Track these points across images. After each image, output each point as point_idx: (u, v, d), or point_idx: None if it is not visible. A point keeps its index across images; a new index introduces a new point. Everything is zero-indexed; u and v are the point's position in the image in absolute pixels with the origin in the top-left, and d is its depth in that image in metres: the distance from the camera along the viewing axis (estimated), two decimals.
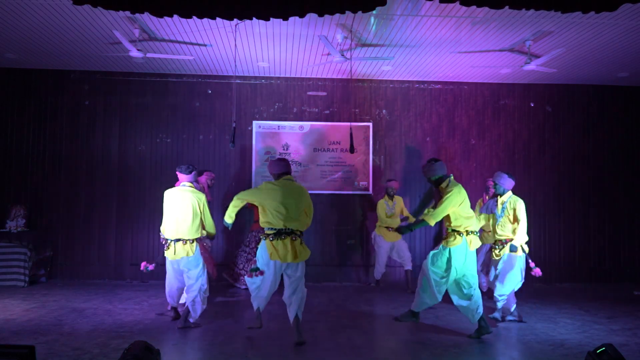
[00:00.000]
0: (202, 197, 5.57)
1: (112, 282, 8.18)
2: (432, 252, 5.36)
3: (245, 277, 5.11)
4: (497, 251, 5.82)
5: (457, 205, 5.15)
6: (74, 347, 4.67)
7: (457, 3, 3.88)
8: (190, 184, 5.58)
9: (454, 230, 5.21)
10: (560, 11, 3.93)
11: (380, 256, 7.92)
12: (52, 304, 6.50)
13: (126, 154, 8.57)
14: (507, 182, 5.80)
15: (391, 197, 7.91)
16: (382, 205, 7.89)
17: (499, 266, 5.75)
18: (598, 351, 3.36)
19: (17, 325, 5.40)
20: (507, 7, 3.89)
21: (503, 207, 5.79)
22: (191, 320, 5.48)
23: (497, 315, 5.82)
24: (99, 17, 6.14)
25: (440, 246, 5.30)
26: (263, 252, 4.93)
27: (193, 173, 5.59)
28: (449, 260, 5.19)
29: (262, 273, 4.90)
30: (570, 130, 9.03)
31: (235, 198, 5.05)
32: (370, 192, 8.72)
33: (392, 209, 7.88)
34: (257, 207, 6.03)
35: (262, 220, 4.95)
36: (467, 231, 5.20)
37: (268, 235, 4.90)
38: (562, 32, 6.46)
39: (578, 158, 9.00)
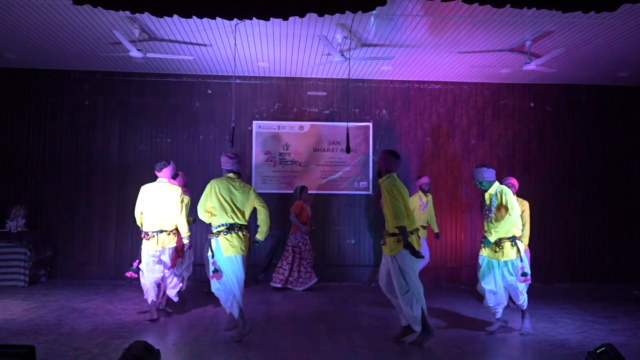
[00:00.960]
0: (176, 190, 5.82)
1: (112, 282, 8.17)
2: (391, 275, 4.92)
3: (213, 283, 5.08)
4: (497, 254, 5.29)
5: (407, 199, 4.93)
6: (74, 347, 4.67)
7: (457, 2, 3.88)
8: (166, 180, 5.87)
9: (393, 235, 4.84)
10: (560, 10, 3.94)
11: None
12: (52, 304, 6.50)
13: (126, 154, 8.57)
14: (489, 173, 5.29)
15: (425, 193, 7.68)
16: (416, 201, 7.49)
17: (508, 279, 5.23)
18: (598, 351, 3.36)
19: (17, 325, 5.40)
20: (508, 5, 3.89)
21: (492, 201, 5.25)
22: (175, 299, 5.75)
23: (527, 327, 5.33)
24: (99, 17, 6.14)
25: (392, 257, 4.85)
26: (218, 250, 4.98)
27: (163, 170, 5.87)
28: (402, 271, 4.80)
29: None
30: (570, 130, 9.03)
31: (199, 210, 5.13)
32: (370, 192, 8.71)
33: (425, 205, 7.63)
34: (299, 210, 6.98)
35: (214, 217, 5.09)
36: (394, 234, 4.84)
37: (220, 231, 4.99)
38: (562, 32, 6.46)
39: (578, 158, 9.00)
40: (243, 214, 5.10)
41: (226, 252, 4.95)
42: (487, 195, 5.35)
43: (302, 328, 5.54)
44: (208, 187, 5.11)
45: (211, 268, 4.98)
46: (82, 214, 8.45)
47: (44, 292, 7.21)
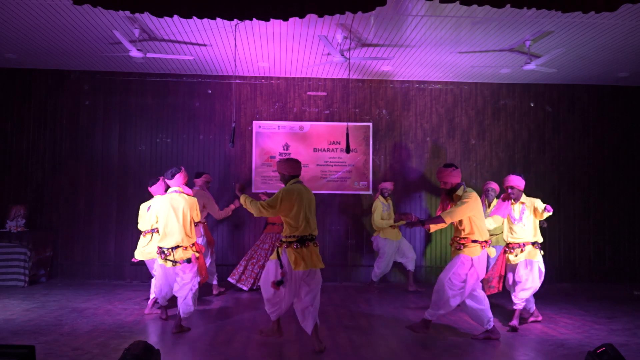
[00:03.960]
0: (194, 200, 5.47)
1: (112, 282, 8.18)
2: (450, 265, 5.18)
3: (265, 288, 4.83)
4: (512, 255, 5.66)
5: (473, 211, 5.08)
6: (74, 347, 4.68)
7: (457, 2, 3.88)
8: (180, 189, 5.42)
9: (474, 241, 5.11)
10: (560, 10, 3.93)
11: (387, 257, 7.75)
12: (52, 304, 6.50)
13: (126, 154, 8.57)
14: (522, 183, 5.77)
15: (386, 198, 7.88)
16: (379, 206, 7.79)
17: (520, 272, 5.60)
18: (598, 351, 3.36)
19: (17, 325, 5.40)
20: (508, 5, 3.88)
21: (522, 209, 5.70)
22: (182, 316, 5.33)
23: (515, 323, 5.58)
24: (99, 17, 6.15)
25: (461, 256, 5.13)
26: (286, 262, 4.69)
27: (176, 176, 5.38)
28: (471, 269, 5.07)
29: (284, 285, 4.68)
30: (570, 130, 9.03)
31: (267, 206, 4.68)
32: (370, 192, 8.71)
33: (388, 208, 7.84)
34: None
35: (287, 227, 4.73)
36: (486, 241, 5.16)
37: (291, 243, 4.69)
38: (562, 32, 6.46)
39: (578, 158, 9.01)
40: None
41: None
42: (517, 203, 5.76)
43: (301, 328, 5.53)
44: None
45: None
46: (82, 214, 8.45)
47: (44, 292, 7.21)
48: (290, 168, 4.88)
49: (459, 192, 5.20)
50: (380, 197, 7.89)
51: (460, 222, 5.16)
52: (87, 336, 5.04)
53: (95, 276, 8.34)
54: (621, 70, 8.11)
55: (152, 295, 6.00)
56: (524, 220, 5.67)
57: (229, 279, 7.62)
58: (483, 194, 7.37)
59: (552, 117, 9.03)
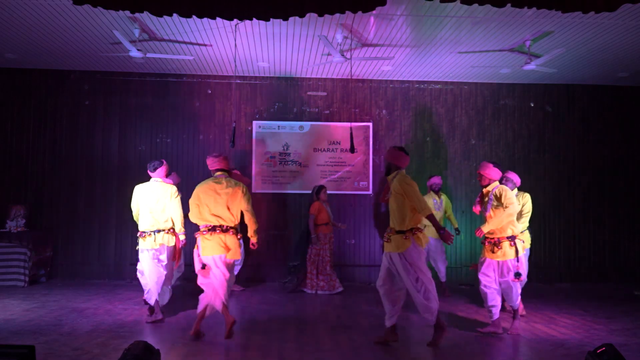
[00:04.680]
0: (171, 187, 5.88)
1: (112, 282, 8.18)
2: (403, 271, 4.76)
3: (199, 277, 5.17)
4: (489, 252, 5.32)
5: (416, 195, 4.79)
6: (74, 347, 4.67)
7: (457, 2, 3.88)
8: (159, 179, 5.92)
9: (399, 232, 4.79)
10: (561, 10, 3.93)
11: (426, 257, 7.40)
12: (52, 304, 6.50)
13: (126, 154, 8.57)
14: (494, 172, 5.31)
15: (437, 193, 7.56)
16: (429, 202, 7.28)
17: (504, 273, 5.23)
18: (598, 351, 3.36)
19: (17, 325, 5.40)
20: (508, 5, 3.88)
21: (490, 198, 5.29)
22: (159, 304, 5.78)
23: (516, 327, 5.34)
24: (99, 17, 6.15)
25: (390, 255, 4.81)
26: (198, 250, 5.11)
27: (158, 170, 5.91)
28: (413, 265, 4.73)
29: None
30: (570, 130, 9.03)
31: (190, 210, 5.18)
32: (370, 192, 8.71)
33: (440, 205, 7.50)
34: (317, 212, 7.24)
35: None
36: (411, 231, 4.79)
37: (203, 232, 5.06)
38: (562, 32, 6.46)
39: (578, 158, 9.01)
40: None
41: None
42: (484, 192, 5.42)
43: (302, 328, 5.54)
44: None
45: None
46: (82, 214, 8.45)
47: (44, 292, 7.21)
48: (209, 164, 5.32)
49: (391, 176, 4.94)
50: (432, 193, 7.55)
51: (394, 204, 4.82)
52: (87, 336, 5.04)
53: (95, 276, 8.34)
54: (621, 70, 8.11)
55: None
56: (491, 211, 5.27)
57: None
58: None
59: (552, 117, 9.04)
